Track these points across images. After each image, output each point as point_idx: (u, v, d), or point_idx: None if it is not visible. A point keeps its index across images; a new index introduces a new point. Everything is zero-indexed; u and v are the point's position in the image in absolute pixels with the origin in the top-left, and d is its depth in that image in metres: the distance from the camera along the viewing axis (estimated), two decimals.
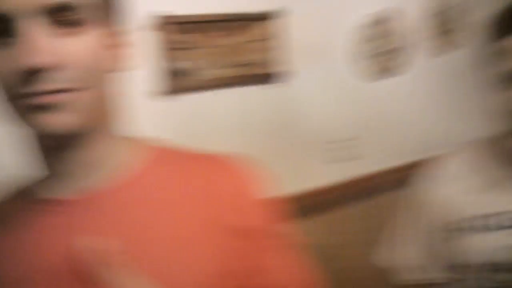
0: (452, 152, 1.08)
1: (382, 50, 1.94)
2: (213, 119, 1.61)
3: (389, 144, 1.99)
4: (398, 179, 1.92)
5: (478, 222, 0.94)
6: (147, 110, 1.45)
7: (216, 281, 0.57)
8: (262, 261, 0.64)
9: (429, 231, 1.05)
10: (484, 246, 0.93)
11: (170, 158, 0.68)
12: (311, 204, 1.78)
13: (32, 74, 0.49)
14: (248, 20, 1.60)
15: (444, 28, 2.14)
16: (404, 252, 1.09)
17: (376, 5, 1.93)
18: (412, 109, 2.08)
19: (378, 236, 1.19)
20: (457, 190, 1.00)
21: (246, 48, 1.61)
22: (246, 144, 1.67)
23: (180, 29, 1.48)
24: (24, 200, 0.63)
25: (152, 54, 1.45)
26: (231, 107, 1.64)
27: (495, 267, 0.91)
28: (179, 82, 1.50)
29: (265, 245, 0.65)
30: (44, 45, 0.49)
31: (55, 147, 0.57)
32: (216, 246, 0.59)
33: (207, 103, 1.59)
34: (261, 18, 1.62)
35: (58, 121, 0.51)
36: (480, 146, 1.04)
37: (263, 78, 1.67)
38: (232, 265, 0.59)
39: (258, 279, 0.62)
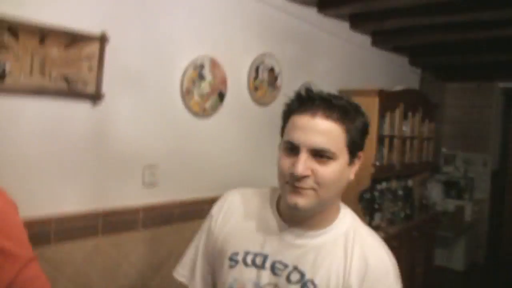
0: (243, 191, 1.20)
1: (198, 91, 2.15)
2: (22, 126, 1.56)
3: (187, 176, 2.17)
4: (191, 210, 2.14)
5: (242, 256, 1.09)
6: None
7: None
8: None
9: (208, 250, 1.19)
10: (242, 278, 1.07)
11: None
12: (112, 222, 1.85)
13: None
14: (79, 38, 1.63)
15: (260, 83, 2.50)
16: (180, 270, 1.24)
17: (199, 50, 2.15)
18: (217, 149, 2.31)
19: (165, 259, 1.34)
20: (232, 222, 1.14)
21: (72, 63, 1.62)
22: (54, 153, 1.65)
23: (3, 28, 1.44)
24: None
25: None
26: (45, 116, 1.62)
27: None
28: None
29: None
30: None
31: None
32: None
33: (17, 108, 1.54)
34: (91, 38, 1.67)
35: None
36: (268, 194, 1.16)
37: (84, 95, 1.70)
38: None
39: None
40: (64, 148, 1.68)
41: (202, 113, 2.21)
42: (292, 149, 0.99)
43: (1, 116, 1.50)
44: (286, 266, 1.04)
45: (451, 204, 4.84)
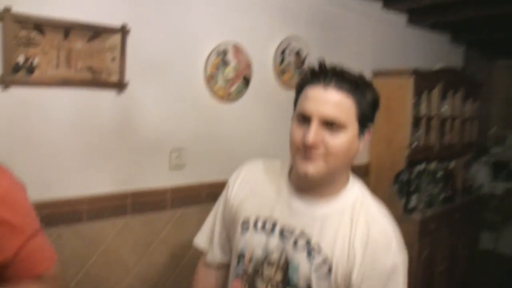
0: (257, 162, 1.29)
1: (223, 77, 2.23)
2: (52, 115, 1.70)
3: (213, 159, 2.26)
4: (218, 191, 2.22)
5: (253, 221, 1.17)
6: None
7: None
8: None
9: (224, 216, 1.28)
10: (252, 242, 1.15)
11: None
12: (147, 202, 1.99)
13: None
14: (101, 31, 1.74)
15: (287, 66, 2.54)
16: (200, 237, 1.36)
17: (222, 37, 2.21)
18: (243, 132, 2.38)
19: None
20: (247, 189, 1.23)
21: (96, 55, 1.74)
22: (83, 140, 1.79)
23: (30, 26, 1.57)
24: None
25: None
26: (72, 105, 1.75)
27: (258, 261, 1.14)
28: (21, 76, 1.57)
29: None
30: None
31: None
32: None
33: (46, 98, 1.67)
34: (113, 30, 1.78)
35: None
36: (280, 165, 1.23)
37: (108, 84, 1.82)
38: None
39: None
40: (92, 134, 1.81)
41: (227, 97, 2.28)
42: (304, 120, 1.04)
43: (33, 107, 1.64)
44: (293, 231, 1.10)
45: (500, 187, 4.62)
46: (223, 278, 1.35)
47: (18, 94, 1.60)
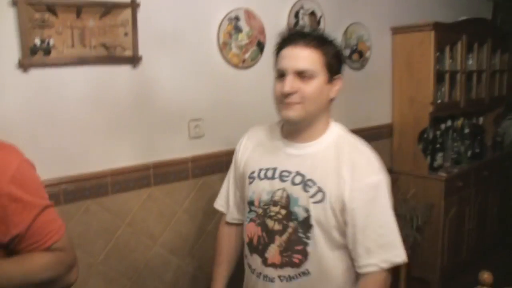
0: (256, 127, 1.55)
1: (236, 44, 2.22)
2: (71, 93, 1.75)
3: (231, 127, 2.28)
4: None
5: (258, 173, 1.40)
6: (5, 82, 1.57)
7: None
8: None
9: (236, 177, 1.53)
10: (258, 189, 1.39)
11: None
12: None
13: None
14: (111, 7, 1.76)
15: (302, 28, 2.49)
16: (218, 200, 1.64)
17: (233, 3, 2.19)
18: (259, 99, 2.33)
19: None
20: (250, 148, 1.48)
21: (109, 31, 1.77)
22: (103, 115, 1.85)
23: (43, 8, 1.61)
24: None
25: (12, 29, 1.56)
26: (90, 81, 1.79)
27: (265, 203, 1.37)
28: (39, 57, 1.62)
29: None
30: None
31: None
32: None
33: (64, 77, 1.72)
34: (123, 6, 1.80)
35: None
36: (274, 124, 1.49)
37: (123, 59, 1.85)
38: None
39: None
40: (111, 109, 1.86)
41: (242, 64, 2.28)
42: (281, 75, 1.29)
43: (52, 87, 1.70)
44: (290, 172, 1.34)
45: None
46: (242, 233, 1.54)
47: (37, 75, 1.65)
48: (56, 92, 1.71)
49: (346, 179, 1.26)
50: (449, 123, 3.31)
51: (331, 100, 1.34)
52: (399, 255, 1.28)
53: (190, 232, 2.18)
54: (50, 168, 1.67)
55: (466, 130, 3.42)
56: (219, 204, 1.64)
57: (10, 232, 0.98)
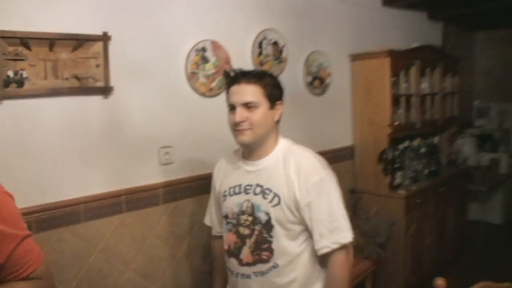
0: (225, 155, 1.80)
1: (203, 73, 2.33)
2: (43, 123, 1.80)
3: (200, 153, 2.37)
4: (207, 183, 2.33)
5: (228, 191, 1.66)
6: None
7: None
8: None
9: (215, 198, 1.79)
10: (230, 204, 1.64)
11: None
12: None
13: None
14: (83, 40, 1.84)
15: (265, 58, 2.65)
16: (206, 217, 1.89)
17: (200, 35, 2.31)
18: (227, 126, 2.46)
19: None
20: (222, 172, 1.75)
21: (81, 62, 1.84)
22: (76, 145, 1.90)
23: (16, 42, 1.67)
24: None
25: None
26: (62, 112, 1.85)
27: (237, 214, 1.61)
28: (12, 89, 1.67)
29: None
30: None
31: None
32: None
33: (37, 108, 1.77)
34: (95, 39, 1.87)
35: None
36: (238, 149, 1.73)
37: (95, 90, 1.92)
38: None
39: None
40: (83, 139, 1.91)
41: (209, 92, 2.38)
42: (232, 108, 1.57)
43: (24, 117, 1.74)
44: (251, 185, 1.60)
45: (485, 158, 4.76)
46: None
47: (10, 106, 1.70)
48: (29, 122, 1.76)
49: (295, 182, 1.52)
50: (406, 143, 3.50)
51: (277, 122, 1.61)
52: (346, 237, 1.52)
53: (162, 256, 2.22)
54: (24, 197, 1.68)
55: (423, 150, 3.63)
56: (207, 220, 1.90)
57: None
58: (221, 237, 1.77)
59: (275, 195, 1.54)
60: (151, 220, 2.17)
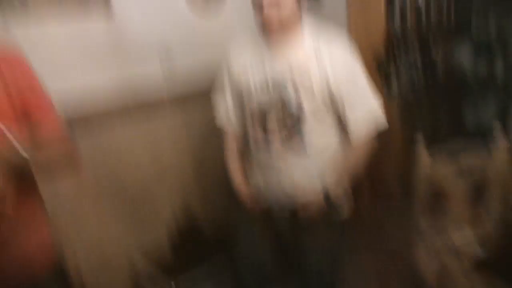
0: (237, 45, 1.77)
1: None
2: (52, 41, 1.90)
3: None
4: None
5: (253, 85, 1.65)
6: None
7: None
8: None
9: (232, 98, 1.78)
10: (257, 98, 1.65)
11: None
12: None
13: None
14: None
15: None
16: (219, 118, 1.85)
17: None
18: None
19: None
20: (243, 66, 1.70)
21: None
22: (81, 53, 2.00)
23: None
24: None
25: None
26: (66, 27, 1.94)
27: (264, 108, 1.63)
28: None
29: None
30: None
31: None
32: None
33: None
34: None
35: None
36: (256, 38, 1.70)
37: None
38: None
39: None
40: (89, 47, 2.02)
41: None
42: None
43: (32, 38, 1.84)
44: (279, 73, 1.59)
45: (481, 67, 4.73)
46: (246, 142, 1.82)
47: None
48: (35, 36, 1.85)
49: (327, 67, 1.55)
50: (402, 54, 3.52)
51: (301, 15, 1.60)
52: (380, 119, 1.65)
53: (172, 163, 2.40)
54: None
55: (419, 60, 3.65)
56: (221, 120, 1.87)
57: None
58: (239, 135, 1.83)
59: (308, 85, 1.56)
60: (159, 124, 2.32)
